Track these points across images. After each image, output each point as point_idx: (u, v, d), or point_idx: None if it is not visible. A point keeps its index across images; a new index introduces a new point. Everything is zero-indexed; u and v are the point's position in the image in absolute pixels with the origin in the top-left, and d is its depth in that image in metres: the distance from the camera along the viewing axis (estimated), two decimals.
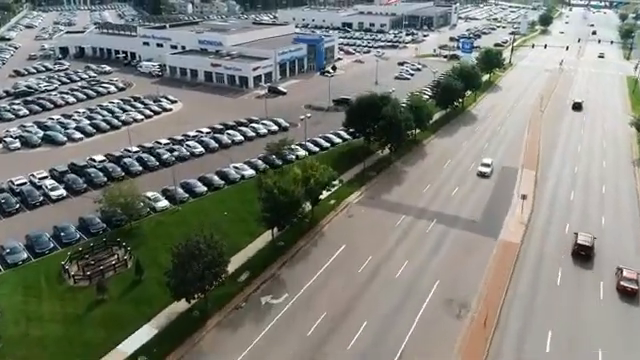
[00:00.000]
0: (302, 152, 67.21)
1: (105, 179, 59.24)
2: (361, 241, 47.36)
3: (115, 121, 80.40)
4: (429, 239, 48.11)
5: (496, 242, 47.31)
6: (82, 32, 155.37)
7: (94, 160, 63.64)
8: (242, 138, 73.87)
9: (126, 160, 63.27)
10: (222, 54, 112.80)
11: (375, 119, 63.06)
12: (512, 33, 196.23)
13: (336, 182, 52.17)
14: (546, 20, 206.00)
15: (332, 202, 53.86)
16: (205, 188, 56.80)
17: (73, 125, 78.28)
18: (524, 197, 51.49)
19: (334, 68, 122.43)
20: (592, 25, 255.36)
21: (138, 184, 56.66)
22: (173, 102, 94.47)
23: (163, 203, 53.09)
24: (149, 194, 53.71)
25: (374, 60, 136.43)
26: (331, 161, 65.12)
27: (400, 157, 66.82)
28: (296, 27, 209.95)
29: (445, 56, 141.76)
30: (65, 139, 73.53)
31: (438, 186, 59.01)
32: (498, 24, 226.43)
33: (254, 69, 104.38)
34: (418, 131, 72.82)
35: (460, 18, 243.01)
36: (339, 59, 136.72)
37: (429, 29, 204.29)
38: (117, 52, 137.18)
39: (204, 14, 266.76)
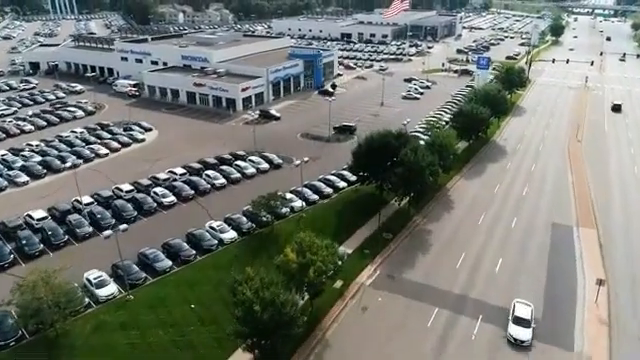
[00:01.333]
0: (298, 202, 53.63)
1: (37, 250, 45.29)
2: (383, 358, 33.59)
3: (72, 158, 66.70)
4: (478, 351, 34.36)
5: (573, 358, 33.61)
6: (57, 45, 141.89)
7: (32, 218, 49.80)
8: (224, 181, 60.22)
9: (72, 219, 49.38)
10: (207, 72, 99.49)
11: (389, 162, 49.69)
12: (522, 44, 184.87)
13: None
14: (557, 30, 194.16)
15: (338, 285, 40.17)
16: (170, 262, 43.00)
17: (19, 164, 64.52)
18: (600, 282, 37.79)
19: (334, 86, 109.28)
20: (602, 32, 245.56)
21: (81, 255, 43.25)
22: (147, 130, 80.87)
23: (109, 290, 39.17)
24: (92, 276, 39.92)
25: (377, 76, 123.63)
26: (335, 215, 51.87)
27: (421, 209, 53.22)
28: (292, 38, 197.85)
29: (456, 71, 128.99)
30: (5, 184, 59.69)
31: (475, 256, 45.17)
32: (505, 34, 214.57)
33: (243, 89, 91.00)
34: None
35: (464, 28, 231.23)
36: (339, 75, 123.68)
37: (433, 40, 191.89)
38: (93, 68, 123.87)
39: (196, 24, 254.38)
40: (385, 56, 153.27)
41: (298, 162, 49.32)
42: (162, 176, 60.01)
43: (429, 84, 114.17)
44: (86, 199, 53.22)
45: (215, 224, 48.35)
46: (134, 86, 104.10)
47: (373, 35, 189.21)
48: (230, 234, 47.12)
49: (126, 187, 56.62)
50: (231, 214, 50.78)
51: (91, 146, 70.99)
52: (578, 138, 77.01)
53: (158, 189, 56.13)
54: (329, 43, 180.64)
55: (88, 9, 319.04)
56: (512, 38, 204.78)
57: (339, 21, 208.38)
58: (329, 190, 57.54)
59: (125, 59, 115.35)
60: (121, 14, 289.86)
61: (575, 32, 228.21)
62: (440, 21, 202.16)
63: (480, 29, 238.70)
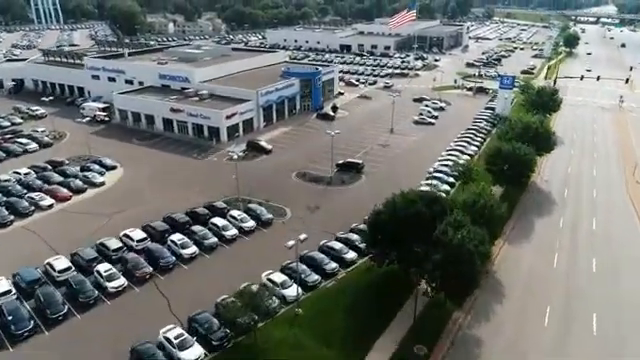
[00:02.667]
0: (292, 290, 39.09)
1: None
2: None
3: (4, 212, 52.16)
4: None
5: None
6: (26, 59, 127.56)
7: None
8: (195, 250, 45.73)
9: None
10: (188, 94, 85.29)
11: (421, 239, 35.43)
12: (535, 56, 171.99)
13: None
14: (571, 41, 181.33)
15: None
16: None
17: None
18: None
19: (335, 109, 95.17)
20: (612, 39, 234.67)
21: None
22: (111, 168, 66.43)
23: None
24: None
25: (382, 94, 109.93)
26: (343, 311, 37.56)
27: (462, 298, 38.92)
28: (288, 50, 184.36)
29: (470, 89, 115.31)
30: None
31: None
32: (514, 45, 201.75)
33: (228, 117, 76.73)
34: None
35: (470, 38, 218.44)
36: (340, 94, 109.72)
37: (439, 51, 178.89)
38: (62, 87, 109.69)
39: (186, 34, 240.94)
40: (389, 70, 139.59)
41: (291, 243, 34.78)
42: (113, 244, 45.37)
43: (443, 105, 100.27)
44: None
45: (173, 333, 33.77)
46: (103, 110, 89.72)
47: (375, 47, 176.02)
48: (193, 353, 32.52)
49: (61, 264, 41.97)
50: (197, 312, 36.21)
51: (32, 195, 56.37)
52: (637, 179, 63.06)
53: (103, 267, 41.53)
54: (327, 55, 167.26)
55: (74, 19, 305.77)
56: (522, 49, 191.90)
57: (338, 31, 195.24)
58: (333, 265, 43.06)
59: (96, 77, 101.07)
60: (108, 24, 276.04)
61: (587, 42, 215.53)
62: (446, 31, 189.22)
63: (487, 39, 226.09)
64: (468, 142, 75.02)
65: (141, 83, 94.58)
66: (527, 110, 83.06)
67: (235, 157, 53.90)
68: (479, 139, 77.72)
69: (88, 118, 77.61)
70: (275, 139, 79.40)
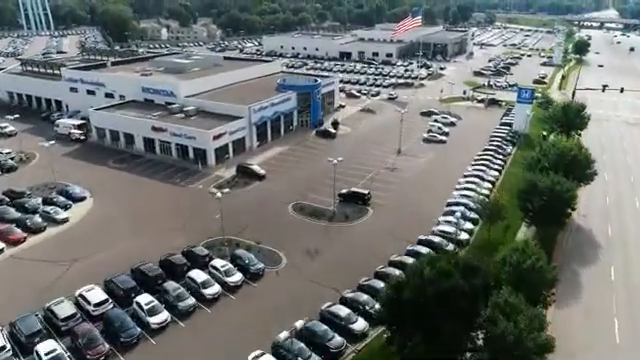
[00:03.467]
0: None
1: None
2: None
3: None
4: None
5: None
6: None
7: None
8: (167, 317, 36.74)
9: None
10: (173, 110, 76.54)
11: (457, 324, 26.61)
12: (544, 64, 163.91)
13: None
14: (581, 48, 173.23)
15: None
16: None
17: None
18: None
19: (336, 125, 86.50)
20: (619, 44, 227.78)
21: None
22: (79, 200, 57.58)
23: None
24: None
25: (386, 107, 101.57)
26: None
27: None
28: (285, 57, 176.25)
29: (481, 101, 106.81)
30: None
31: None
32: (520, 52, 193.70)
33: (216, 137, 67.90)
34: None
35: (474, 44, 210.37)
36: (341, 107, 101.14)
37: (443, 59, 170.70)
38: (39, 100, 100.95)
39: (180, 40, 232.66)
40: (393, 80, 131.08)
41: (284, 335, 26.01)
42: (64, 310, 36.37)
43: (453, 119, 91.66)
44: None
45: None
46: (79, 127, 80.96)
47: (376, 54, 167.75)
48: None
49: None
50: None
51: None
52: None
53: (44, 347, 32.51)
54: (326, 63, 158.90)
55: (65, 24, 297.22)
56: (529, 56, 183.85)
57: (337, 38, 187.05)
58: (339, 341, 34.12)
59: (74, 90, 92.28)
60: (100, 30, 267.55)
61: (594, 48, 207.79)
62: (450, 38, 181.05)
63: (491, 45, 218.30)
64: (487, 166, 66.31)
65: (122, 97, 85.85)
66: (551, 129, 74.46)
67: (219, 195, 44.91)
68: (499, 162, 69.08)
69: (52, 142, 67.76)
70: (269, 162, 70.61)
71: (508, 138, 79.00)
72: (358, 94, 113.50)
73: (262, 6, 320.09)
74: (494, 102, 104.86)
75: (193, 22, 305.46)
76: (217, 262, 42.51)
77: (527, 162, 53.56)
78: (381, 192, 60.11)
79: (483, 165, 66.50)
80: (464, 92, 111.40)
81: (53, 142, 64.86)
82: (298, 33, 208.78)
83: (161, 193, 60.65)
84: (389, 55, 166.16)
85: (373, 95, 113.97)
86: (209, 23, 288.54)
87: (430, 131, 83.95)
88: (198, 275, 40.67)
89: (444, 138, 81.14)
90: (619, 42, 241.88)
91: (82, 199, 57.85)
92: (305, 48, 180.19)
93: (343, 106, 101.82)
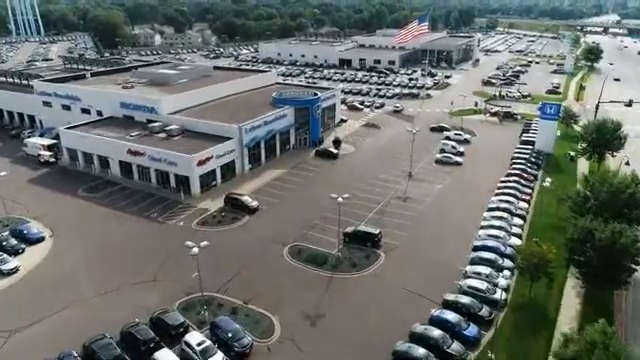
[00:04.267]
0: None
1: None
2: None
3: None
4: None
5: None
6: None
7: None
8: None
9: None
10: (153, 129, 67.61)
11: None
12: (555, 72, 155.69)
13: None
14: (593, 55, 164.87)
15: None
16: None
17: None
18: None
19: (337, 143, 77.64)
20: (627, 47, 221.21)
21: None
22: (35, 242, 48.54)
23: None
24: None
25: (392, 121, 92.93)
26: None
27: None
28: (282, 64, 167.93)
29: (495, 114, 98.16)
30: None
31: None
32: (528, 59, 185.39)
33: (200, 162, 58.94)
34: None
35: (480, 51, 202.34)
36: (342, 121, 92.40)
37: (449, 66, 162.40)
38: (11, 115, 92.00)
39: (174, 47, 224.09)
40: (397, 90, 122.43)
41: None
42: None
43: (467, 136, 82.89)
44: None
45: None
46: (49, 148, 72.00)
47: (378, 61, 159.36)
48: None
49: None
50: None
51: None
52: None
53: None
54: (326, 72, 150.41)
55: (56, 30, 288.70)
56: (538, 63, 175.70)
57: (337, 45, 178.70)
58: None
59: (48, 104, 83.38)
60: (91, 36, 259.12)
61: (611, 64, 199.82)
62: (455, 44, 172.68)
63: (497, 52, 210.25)
64: (514, 195, 57.43)
65: (100, 113, 76.98)
66: (583, 150, 65.68)
67: (195, 251, 35.89)
68: (526, 189, 60.23)
69: (3, 173, 58.85)
70: (263, 189, 61.62)
71: (532, 159, 70.21)
72: (361, 106, 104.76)
73: (259, 10, 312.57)
74: (509, 115, 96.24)
75: (189, 28, 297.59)
76: (192, 337, 33.44)
77: (571, 200, 44.59)
78: (393, 229, 51.21)
79: (509, 194, 57.60)
80: (475, 104, 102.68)
81: (4, 173, 55.31)
82: (296, 39, 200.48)
83: (134, 232, 51.55)
84: (391, 63, 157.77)
85: (377, 107, 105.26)
86: (205, 29, 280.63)
87: (443, 150, 75.21)
88: (167, 357, 31.59)
89: (459, 159, 72.29)
90: (626, 47, 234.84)
91: (39, 240, 48.80)
92: (303, 55, 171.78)
93: (345, 120, 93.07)
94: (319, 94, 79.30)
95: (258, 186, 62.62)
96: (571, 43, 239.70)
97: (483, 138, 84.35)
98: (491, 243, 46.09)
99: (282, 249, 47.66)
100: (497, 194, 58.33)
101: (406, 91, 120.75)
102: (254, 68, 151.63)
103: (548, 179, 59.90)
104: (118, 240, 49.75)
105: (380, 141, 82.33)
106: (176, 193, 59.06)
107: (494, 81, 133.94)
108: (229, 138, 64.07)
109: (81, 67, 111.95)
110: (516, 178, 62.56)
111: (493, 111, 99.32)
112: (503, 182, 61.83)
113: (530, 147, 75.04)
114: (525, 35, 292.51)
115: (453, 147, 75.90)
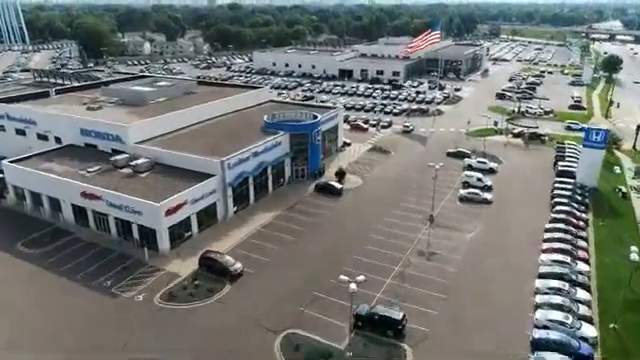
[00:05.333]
0: None
1: None
2: None
3: None
4: None
5: None
6: None
7: None
8: None
9: None
10: (117, 163, 55.24)
11: None
12: (573, 83, 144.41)
13: None
14: (612, 65, 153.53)
15: None
16: None
17: None
18: None
19: (341, 175, 65.43)
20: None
21: None
22: None
23: None
24: None
25: (404, 144, 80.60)
26: None
27: None
28: (277, 75, 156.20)
29: (519, 135, 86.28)
30: None
31: None
32: (540, 68, 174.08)
33: (170, 211, 46.56)
34: None
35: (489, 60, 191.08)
36: (346, 145, 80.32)
37: (457, 77, 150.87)
38: None
39: (164, 56, 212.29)
40: (405, 105, 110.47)
41: None
42: None
43: (493, 165, 70.82)
44: None
45: None
46: None
47: (381, 72, 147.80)
48: None
49: None
50: None
51: None
52: None
53: None
54: (325, 84, 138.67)
55: (43, 38, 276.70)
56: (551, 73, 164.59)
57: (336, 54, 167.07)
58: None
59: (1, 128, 71.06)
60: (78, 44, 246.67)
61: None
62: (464, 53, 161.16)
63: (505, 61, 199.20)
64: (569, 252, 45.23)
65: (58, 140, 64.66)
66: None
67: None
68: (582, 243, 48.02)
69: None
70: (250, 242, 49.23)
71: (577, 197, 58.17)
72: (365, 126, 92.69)
73: (255, 18, 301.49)
74: (535, 137, 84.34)
75: (181, 35, 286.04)
76: None
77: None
78: (419, 304, 38.95)
79: (561, 251, 45.41)
80: (495, 123, 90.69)
81: None
82: (292, 48, 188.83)
83: (77, 309, 38.93)
84: (396, 74, 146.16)
85: (384, 127, 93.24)
86: (198, 36, 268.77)
87: (467, 184, 63.18)
88: None
89: (488, 196, 60.10)
90: (636, 53, 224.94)
91: None
92: (300, 65, 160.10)
93: (348, 144, 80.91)
94: (319, 117, 67.08)
95: (244, 236, 50.27)
96: (581, 51, 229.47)
97: (510, 166, 72.29)
98: (556, 336, 33.82)
99: (273, 339, 35.25)
100: (545, 250, 46.14)
101: (415, 106, 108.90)
102: (245, 83, 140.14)
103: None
104: (52, 323, 37.24)
105: (391, 171, 70.16)
106: (140, 248, 46.66)
107: (509, 94, 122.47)
108: (210, 175, 51.82)
109: (53, 81, 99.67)
110: (564, 225, 50.46)
111: (516, 132, 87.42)
112: (549, 231, 49.71)
113: (570, 180, 62.99)
114: (530, 42, 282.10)
115: (479, 180, 63.74)
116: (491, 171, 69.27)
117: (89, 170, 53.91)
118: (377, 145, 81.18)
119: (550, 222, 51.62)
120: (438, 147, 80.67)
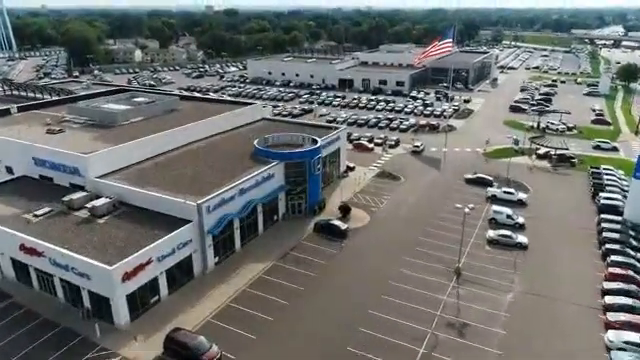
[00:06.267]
0: None
1: None
2: None
3: None
4: None
5: None
6: None
7: None
8: None
9: None
10: (72, 203, 44.96)
11: None
12: (590, 94, 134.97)
13: None
14: (631, 74, 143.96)
15: None
16: None
17: None
18: None
19: (346, 211, 55.37)
20: None
21: None
22: None
23: None
24: None
25: (415, 168, 70.31)
26: None
27: None
28: (274, 85, 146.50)
29: (545, 157, 76.46)
30: None
31: None
32: (551, 77, 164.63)
33: (127, 276, 36.19)
34: None
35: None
36: (349, 170, 70.26)
37: (465, 87, 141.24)
38: None
39: (156, 63, 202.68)
40: (412, 120, 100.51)
41: None
42: None
43: (521, 196, 60.76)
44: None
45: None
46: None
47: (384, 82, 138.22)
48: None
49: None
50: None
51: None
52: None
53: None
54: (324, 94, 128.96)
55: (31, 44, 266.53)
56: (564, 82, 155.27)
57: (336, 62, 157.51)
58: None
59: None
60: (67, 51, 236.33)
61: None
62: (472, 61, 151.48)
63: (512, 69, 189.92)
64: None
65: (10, 170, 54.52)
66: None
67: None
68: None
69: None
70: (231, 311, 38.75)
71: (632, 241, 48.14)
72: (370, 145, 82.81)
73: (250, 23, 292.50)
74: (564, 159, 74.47)
75: (175, 42, 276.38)
76: None
77: None
78: None
79: (631, 326, 35.31)
80: (515, 142, 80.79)
81: None
82: (289, 56, 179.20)
83: None
84: (400, 84, 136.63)
85: (391, 146, 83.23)
86: (191, 43, 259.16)
87: (496, 222, 53.22)
88: None
89: (523, 239, 49.93)
90: None
91: None
92: (297, 74, 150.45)
93: (352, 168, 70.88)
94: (319, 141, 57.01)
95: (226, 300, 40.00)
96: (589, 58, 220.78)
97: (541, 197, 62.21)
98: None
99: None
100: (611, 324, 35.97)
101: (423, 121, 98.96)
102: (238, 94, 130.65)
103: None
104: None
105: (402, 203, 60.05)
106: (90, 321, 36.41)
107: (524, 107, 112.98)
108: (185, 221, 41.66)
109: (24, 94, 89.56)
110: (625, 285, 40.36)
111: (541, 153, 77.53)
112: (609, 293, 39.60)
113: (617, 218, 53.00)
114: (535, 49, 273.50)
115: (509, 217, 53.66)
116: (520, 203, 59.29)
117: (36, 213, 43.71)
118: (385, 170, 71.13)
119: (607, 279, 41.56)
120: (454, 171, 70.79)
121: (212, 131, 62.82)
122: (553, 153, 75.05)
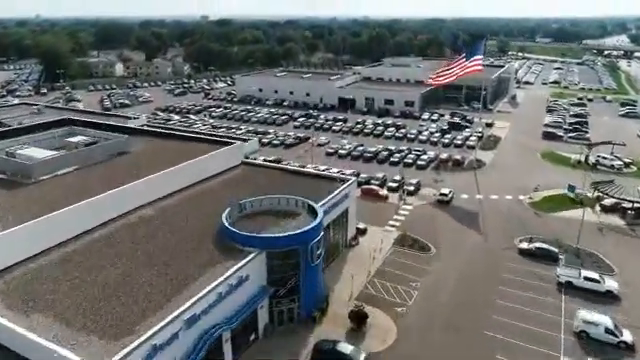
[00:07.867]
0: None
1: None
2: None
3: None
4: None
5: None
6: None
7: None
8: None
9: None
10: None
11: None
12: (627, 114, 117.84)
13: None
14: None
15: None
16: None
17: None
18: None
19: (361, 319, 36.75)
20: None
21: None
22: None
23: None
24: None
25: (444, 226, 51.51)
26: None
27: None
28: (265, 105, 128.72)
29: (613, 209, 58.34)
30: None
31: None
32: (577, 95, 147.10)
33: None
34: None
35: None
36: (360, 234, 51.90)
37: (484, 107, 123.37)
38: None
39: (138, 78, 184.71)
40: (431, 153, 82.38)
41: None
42: None
43: (611, 286, 42.29)
44: None
45: None
46: None
47: (390, 102, 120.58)
48: None
49: None
50: None
51: None
52: None
53: None
54: (322, 116, 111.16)
55: (6, 57, 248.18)
56: (591, 100, 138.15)
57: (335, 78, 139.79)
58: None
59: None
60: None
61: None
62: (490, 77, 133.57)
63: (528, 83, 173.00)
64: None
65: None
66: None
67: None
68: None
69: None
70: None
71: None
72: (382, 191, 64.50)
73: (244, 34, 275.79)
74: None
75: (163, 53, 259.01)
76: None
77: None
78: None
79: None
80: (571, 189, 62.61)
81: None
82: (283, 70, 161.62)
83: None
84: (409, 104, 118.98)
85: (410, 192, 64.83)
86: (178, 55, 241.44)
87: (588, 337, 34.95)
88: None
89: None
90: None
91: None
92: (292, 92, 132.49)
93: (363, 231, 52.49)
94: (319, 212, 38.58)
95: None
96: (608, 71, 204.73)
97: (633, 280, 43.97)
98: None
99: None
100: None
101: (444, 155, 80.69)
102: (218, 122, 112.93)
103: None
104: None
105: (441, 294, 41.68)
106: None
107: (560, 133, 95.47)
108: None
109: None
110: None
111: (608, 205, 59.38)
112: None
113: None
114: (545, 60, 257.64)
115: (608, 332, 35.32)
116: (609, 296, 41.12)
117: None
118: (406, 234, 52.69)
119: None
120: (499, 234, 52.64)
121: (168, 189, 44.37)
122: (627, 207, 57.05)
